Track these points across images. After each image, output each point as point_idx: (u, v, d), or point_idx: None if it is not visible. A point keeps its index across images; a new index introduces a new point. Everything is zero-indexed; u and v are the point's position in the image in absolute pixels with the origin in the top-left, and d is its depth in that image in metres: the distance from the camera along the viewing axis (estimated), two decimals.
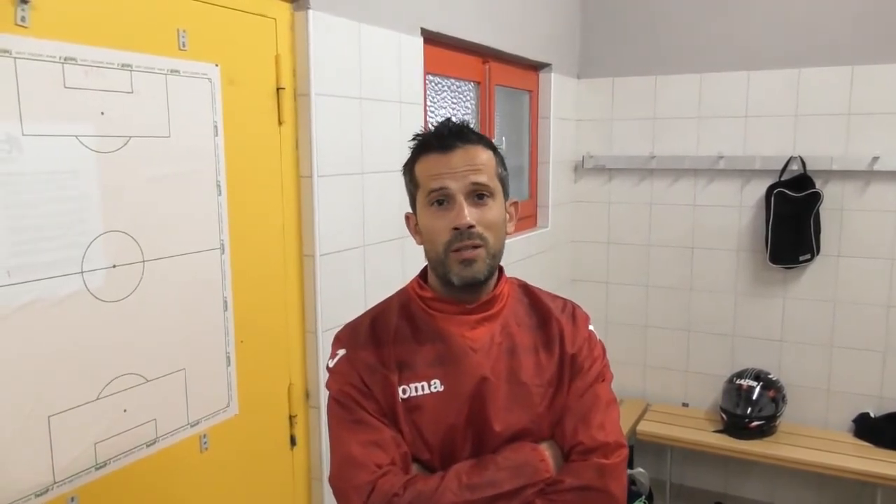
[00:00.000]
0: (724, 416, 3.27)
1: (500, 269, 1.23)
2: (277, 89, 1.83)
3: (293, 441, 1.96)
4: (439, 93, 2.66)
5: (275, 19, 1.81)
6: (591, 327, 1.27)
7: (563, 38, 3.47)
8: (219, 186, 1.67)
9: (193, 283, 1.62)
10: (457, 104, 2.79)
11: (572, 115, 3.63)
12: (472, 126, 1.23)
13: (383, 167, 2.16)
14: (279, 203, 1.87)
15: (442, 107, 2.68)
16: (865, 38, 3.07)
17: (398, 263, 2.25)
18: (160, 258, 1.53)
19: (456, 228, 1.13)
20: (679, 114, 3.45)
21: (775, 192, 3.18)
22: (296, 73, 1.87)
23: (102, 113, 1.39)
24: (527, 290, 1.29)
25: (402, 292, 1.27)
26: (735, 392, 3.26)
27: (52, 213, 1.32)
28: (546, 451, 1.16)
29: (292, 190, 1.90)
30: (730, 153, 3.34)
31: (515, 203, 1.25)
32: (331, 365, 1.22)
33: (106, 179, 1.41)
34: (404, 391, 1.16)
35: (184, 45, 1.56)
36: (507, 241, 1.22)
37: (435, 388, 1.16)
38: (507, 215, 1.22)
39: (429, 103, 2.53)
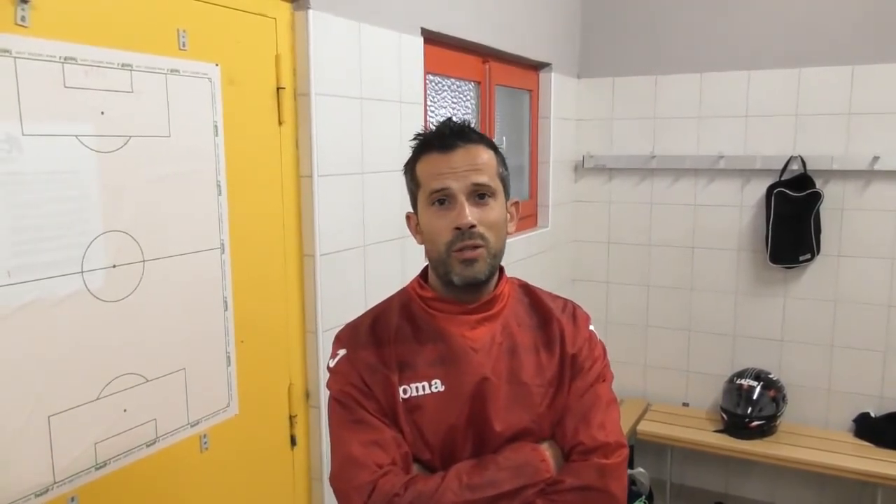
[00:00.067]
0: (724, 415, 3.27)
1: (501, 269, 1.23)
2: (278, 89, 1.83)
3: (293, 441, 1.96)
4: (439, 93, 2.66)
5: (275, 19, 1.81)
6: (591, 327, 1.27)
7: (563, 37, 3.47)
8: (219, 186, 1.67)
9: (193, 283, 1.62)
10: (457, 104, 2.78)
11: (572, 114, 3.63)
12: (472, 126, 1.23)
13: (383, 167, 2.16)
14: (279, 203, 1.86)
15: (442, 107, 2.68)
16: (865, 38, 3.07)
17: (398, 263, 2.25)
18: (160, 258, 1.53)
19: (457, 228, 1.12)
20: (679, 113, 3.45)
21: (776, 191, 3.18)
22: (296, 73, 1.87)
23: (102, 113, 1.39)
24: (527, 290, 1.29)
25: (403, 292, 1.27)
26: (735, 392, 3.26)
27: (53, 213, 1.32)
28: (546, 451, 1.16)
29: (292, 190, 1.90)
30: (730, 153, 3.34)
31: (516, 203, 1.25)
32: (331, 365, 1.22)
33: (106, 179, 1.41)
34: (405, 391, 1.16)
35: (184, 45, 1.56)
36: (507, 241, 1.22)
37: (436, 388, 1.16)
38: (509, 215, 1.22)
39: (429, 103, 2.53)
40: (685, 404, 3.60)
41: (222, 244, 1.69)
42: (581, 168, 3.69)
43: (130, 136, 1.45)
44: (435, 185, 1.14)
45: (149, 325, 1.52)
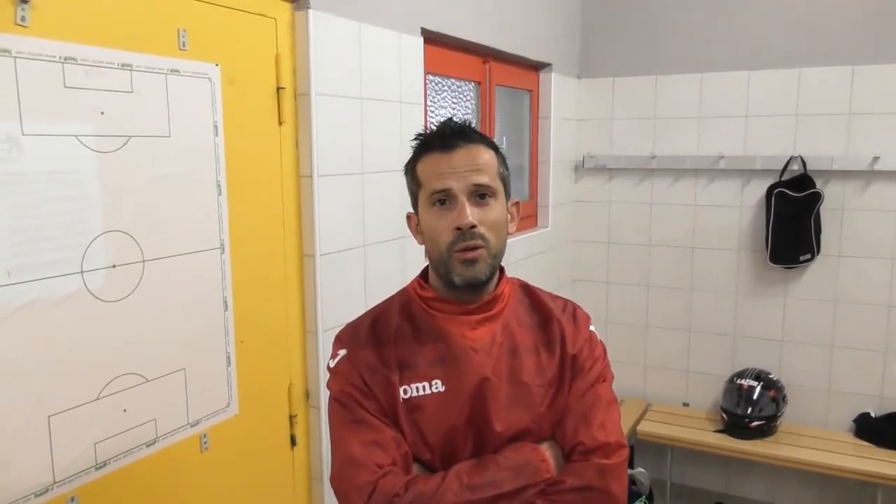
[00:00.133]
0: (724, 415, 3.27)
1: (501, 270, 1.23)
2: (278, 89, 1.83)
3: (293, 441, 1.96)
4: (439, 93, 2.66)
5: (275, 19, 1.81)
6: (591, 328, 1.27)
7: (563, 38, 3.47)
8: (219, 186, 1.67)
9: (193, 282, 1.62)
10: (457, 104, 2.78)
11: (573, 114, 3.63)
12: (473, 126, 1.23)
13: (383, 167, 2.16)
14: (279, 203, 1.86)
15: (442, 107, 2.68)
16: (865, 38, 3.07)
17: (398, 263, 2.25)
18: (160, 258, 1.53)
19: (458, 228, 1.12)
20: (679, 114, 3.45)
21: (776, 191, 3.18)
22: (296, 73, 1.86)
23: (102, 113, 1.39)
24: (527, 291, 1.29)
25: (403, 292, 1.27)
26: (736, 392, 3.26)
27: (52, 213, 1.32)
28: (547, 451, 1.16)
29: (292, 190, 1.90)
30: (730, 153, 3.34)
31: (517, 203, 1.25)
32: (332, 365, 1.21)
33: (106, 179, 1.40)
34: (405, 391, 1.16)
35: (184, 45, 1.56)
36: (507, 242, 1.22)
37: (436, 388, 1.16)
38: (509, 215, 1.21)
39: (429, 103, 2.53)
40: (685, 404, 3.60)
41: (222, 244, 1.69)
42: (581, 168, 3.69)
43: (130, 136, 1.45)
44: (436, 185, 1.14)
45: (149, 325, 1.52)
